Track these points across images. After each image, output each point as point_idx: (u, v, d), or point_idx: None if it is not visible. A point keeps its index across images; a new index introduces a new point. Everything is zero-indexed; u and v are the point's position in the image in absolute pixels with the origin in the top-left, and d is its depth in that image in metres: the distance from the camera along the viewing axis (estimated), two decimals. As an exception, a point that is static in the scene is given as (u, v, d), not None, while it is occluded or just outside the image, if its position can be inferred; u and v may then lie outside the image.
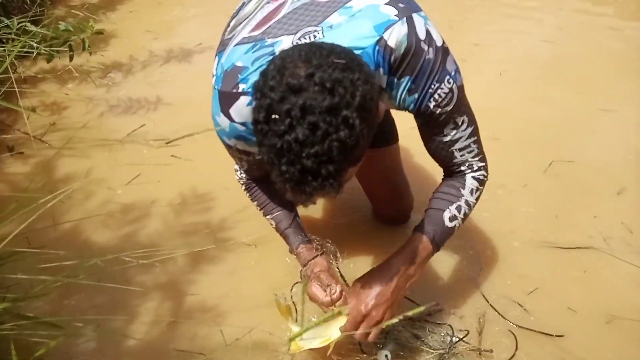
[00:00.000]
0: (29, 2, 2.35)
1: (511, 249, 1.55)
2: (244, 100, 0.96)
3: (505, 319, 1.36)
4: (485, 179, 1.17)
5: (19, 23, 1.77)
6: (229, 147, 1.09)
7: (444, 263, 1.49)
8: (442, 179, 1.19)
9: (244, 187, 1.27)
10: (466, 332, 1.32)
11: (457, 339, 1.30)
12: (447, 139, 1.08)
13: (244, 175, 1.25)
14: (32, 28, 1.76)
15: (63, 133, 1.97)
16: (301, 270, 1.19)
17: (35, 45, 1.73)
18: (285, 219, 1.24)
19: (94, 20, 2.07)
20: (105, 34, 2.31)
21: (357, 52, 0.91)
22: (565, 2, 2.79)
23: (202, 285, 1.46)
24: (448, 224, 1.11)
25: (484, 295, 1.41)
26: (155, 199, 1.66)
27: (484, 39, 2.51)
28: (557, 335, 1.31)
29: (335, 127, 0.75)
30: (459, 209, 1.13)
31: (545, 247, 1.54)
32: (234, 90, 0.97)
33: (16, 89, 1.44)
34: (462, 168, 1.13)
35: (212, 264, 1.54)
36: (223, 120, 1.01)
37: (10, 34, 1.66)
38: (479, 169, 1.14)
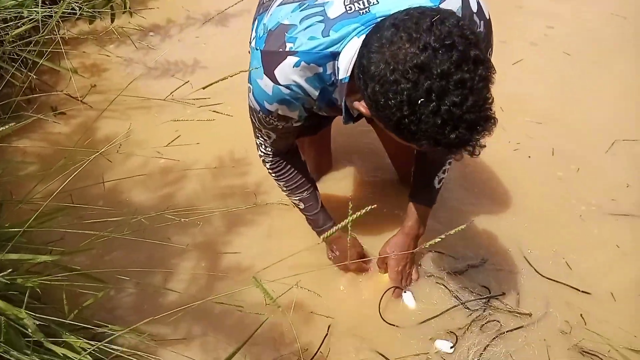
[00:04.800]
0: (71, -36, 2.36)
1: (559, 214, 1.58)
2: (290, 60, 0.93)
3: (542, 275, 1.42)
4: None
5: (62, -16, 1.78)
6: (266, 114, 1.04)
7: (488, 221, 1.57)
8: None
9: (269, 165, 1.26)
10: (502, 293, 1.38)
11: (488, 298, 1.37)
12: None
13: (270, 151, 1.22)
14: (75, -12, 1.77)
15: (103, 94, 2.00)
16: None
17: (78, 6, 1.74)
18: (314, 202, 1.32)
19: (134, -20, 2.07)
20: (145, -4, 2.32)
21: None
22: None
23: (239, 246, 1.50)
24: (437, 185, 1.31)
25: (525, 258, 1.47)
26: (194, 160, 1.68)
27: (557, 15, 2.35)
28: (583, 291, 1.39)
29: (474, 70, 0.77)
30: (444, 171, 1.29)
31: (595, 214, 1.59)
32: (280, 50, 0.94)
33: (63, 50, 1.46)
34: None
35: (249, 226, 1.57)
36: (266, 83, 0.97)
37: (57, -6, 1.67)
38: None
